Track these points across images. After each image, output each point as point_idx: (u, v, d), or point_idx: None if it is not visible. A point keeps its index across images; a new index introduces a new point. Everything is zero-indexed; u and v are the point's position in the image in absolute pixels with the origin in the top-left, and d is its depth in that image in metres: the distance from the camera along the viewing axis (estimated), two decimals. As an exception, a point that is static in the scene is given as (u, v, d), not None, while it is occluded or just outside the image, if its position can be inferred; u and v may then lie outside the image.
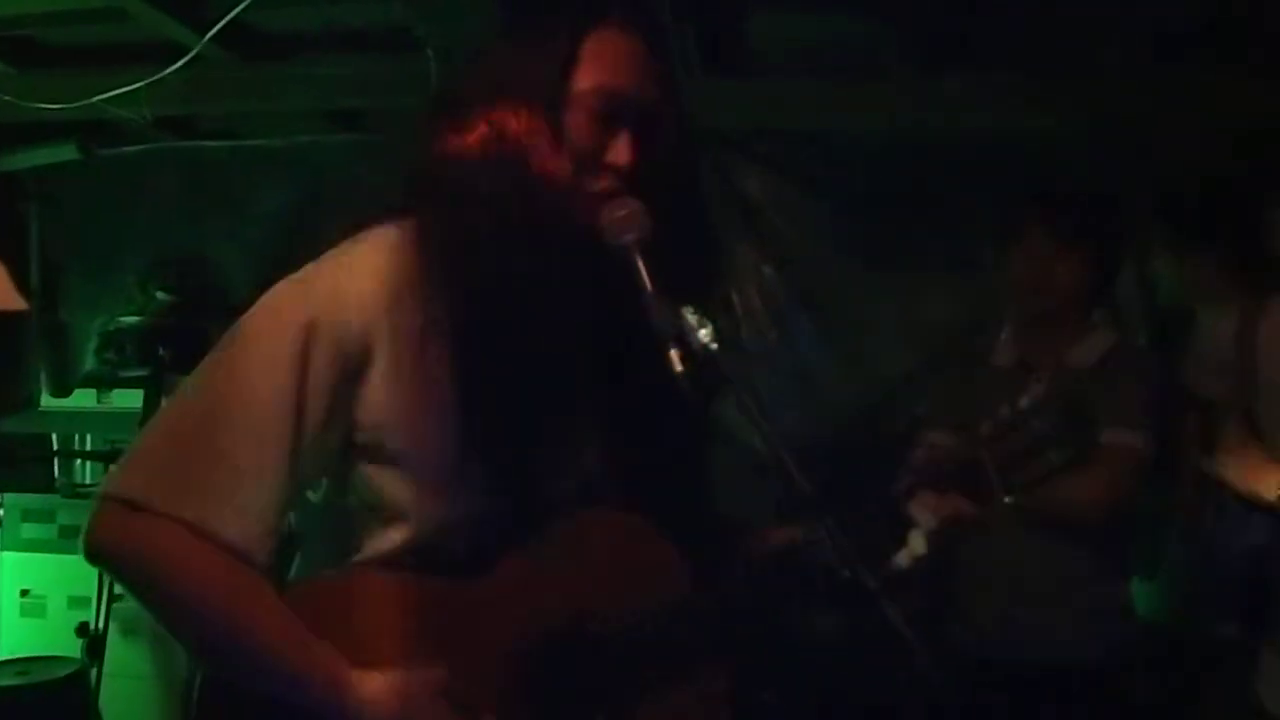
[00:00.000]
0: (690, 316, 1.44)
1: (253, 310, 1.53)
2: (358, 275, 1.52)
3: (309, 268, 1.55)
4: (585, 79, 1.53)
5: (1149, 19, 3.24)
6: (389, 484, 1.53)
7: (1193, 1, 3.13)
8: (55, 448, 4.90)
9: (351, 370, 1.50)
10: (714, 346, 1.42)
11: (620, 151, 1.52)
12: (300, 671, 1.43)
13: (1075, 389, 2.76)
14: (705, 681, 1.57)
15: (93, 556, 1.46)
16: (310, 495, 1.59)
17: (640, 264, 1.48)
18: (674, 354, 1.41)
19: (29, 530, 4.40)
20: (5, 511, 4.41)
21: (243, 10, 3.18)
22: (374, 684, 1.45)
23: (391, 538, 1.54)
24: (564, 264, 1.51)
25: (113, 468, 1.49)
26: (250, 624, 1.44)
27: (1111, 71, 3.40)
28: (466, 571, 1.52)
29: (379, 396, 1.50)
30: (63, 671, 3.94)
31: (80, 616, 4.06)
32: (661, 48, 1.60)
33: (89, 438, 4.84)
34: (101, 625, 3.90)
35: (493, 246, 1.50)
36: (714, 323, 1.44)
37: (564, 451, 1.57)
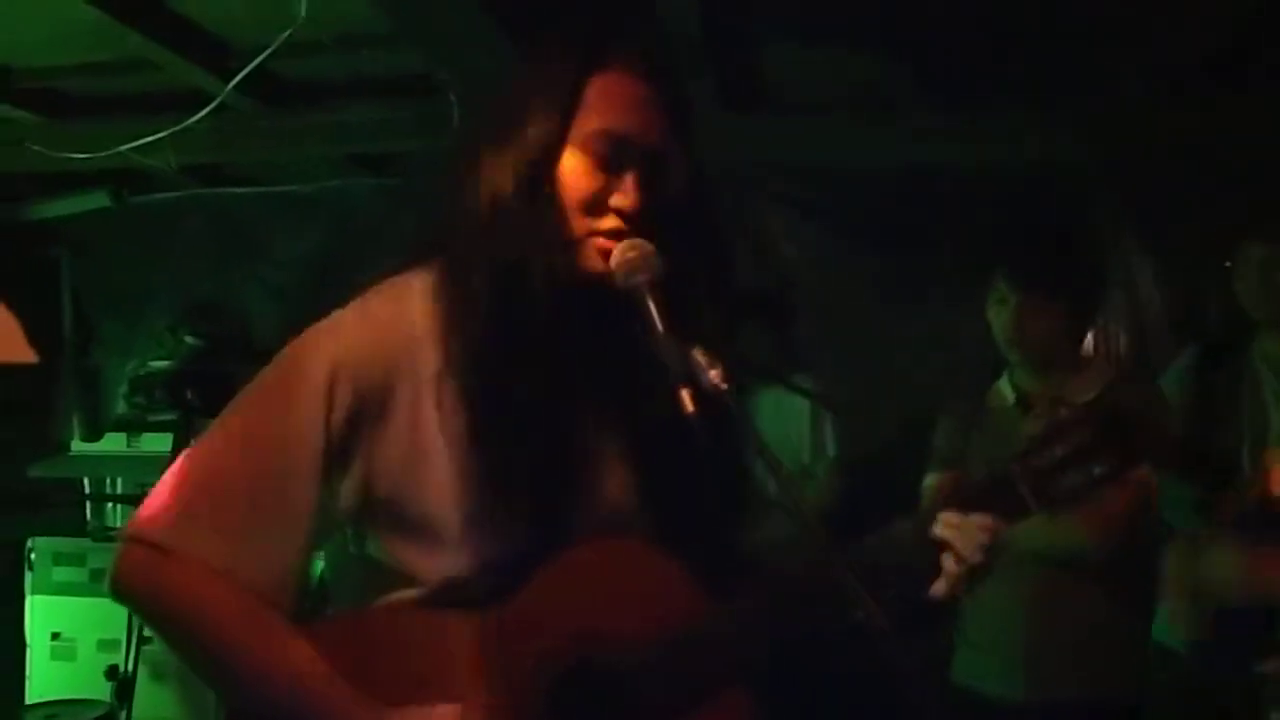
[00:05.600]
0: (701, 357, 1.44)
1: (279, 357, 1.53)
2: (380, 324, 1.53)
3: (334, 315, 1.55)
4: (590, 122, 1.54)
5: (1159, 56, 3.25)
6: (401, 550, 1.54)
7: (1200, 37, 3.14)
8: (86, 491, 4.94)
9: (372, 418, 1.50)
10: (724, 386, 1.42)
11: (626, 195, 1.52)
12: (314, 709, 1.43)
13: (1118, 398, 2.79)
14: (726, 710, 1.56)
15: (118, 595, 1.47)
16: (350, 548, 1.59)
17: (651, 305, 1.49)
18: (685, 394, 1.42)
19: (60, 574, 4.42)
20: (36, 555, 4.44)
21: (266, 59, 3.23)
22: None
23: (407, 593, 1.54)
24: (572, 308, 1.52)
25: (139, 508, 1.49)
26: (273, 666, 1.43)
27: (1123, 108, 3.41)
28: (484, 605, 1.51)
29: (395, 446, 1.51)
30: (92, 715, 3.96)
31: (110, 659, 4.07)
32: (672, 89, 1.60)
33: (119, 481, 4.87)
34: (131, 668, 3.92)
35: (503, 296, 1.51)
36: (725, 362, 1.44)
37: (587, 491, 1.56)
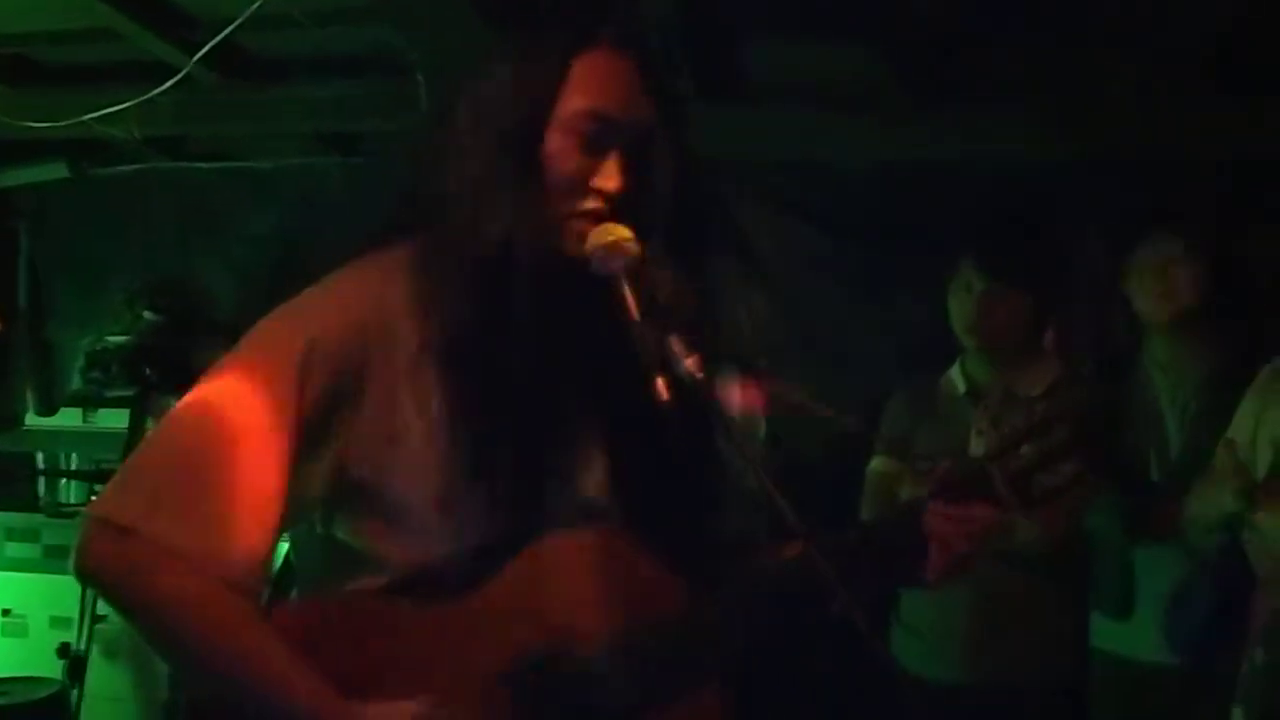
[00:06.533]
0: (677, 345, 1.43)
1: (250, 335, 1.51)
2: (356, 302, 1.51)
3: (306, 293, 1.53)
4: (573, 101, 1.52)
5: (1145, 53, 3.27)
6: (371, 534, 1.52)
7: (1190, 35, 3.16)
8: (40, 466, 4.87)
9: (345, 399, 1.47)
10: (700, 375, 1.42)
11: (609, 176, 1.51)
12: (282, 699, 1.41)
13: (1090, 400, 2.82)
14: (697, 704, 1.55)
15: (81, 576, 1.45)
16: (316, 528, 1.56)
17: (626, 292, 1.48)
18: (660, 382, 1.42)
19: (12, 549, 4.38)
20: (-12, 530, 4.40)
21: (233, 32, 3.19)
22: (354, 714, 1.42)
23: (375, 580, 1.52)
24: (553, 291, 1.49)
25: (103, 488, 1.46)
26: (235, 651, 1.41)
27: (1106, 105, 3.43)
28: (454, 594, 1.49)
29: (369, 429, 1.48)
30: (43, 692, 3.91)
31: (62, 637, 4.03)
32: (658, 70, 1.58)
33: (74, 457, 4.82)
34: (83, 646, 3.88)
35: (479, 277, 1.49)
36: (701, 350, 1.44)
37: (561, 478, 1.55)
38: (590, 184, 1.52)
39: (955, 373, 3.12)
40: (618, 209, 1.51)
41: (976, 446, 2.94)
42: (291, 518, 1.49)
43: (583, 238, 1.50)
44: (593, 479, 1.59)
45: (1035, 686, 2.94)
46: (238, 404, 1.44)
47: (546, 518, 1.52)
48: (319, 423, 1.46)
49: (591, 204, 1.52)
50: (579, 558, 1.54)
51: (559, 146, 1.52)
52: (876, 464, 3.14)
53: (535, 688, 1.50)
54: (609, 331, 1.49)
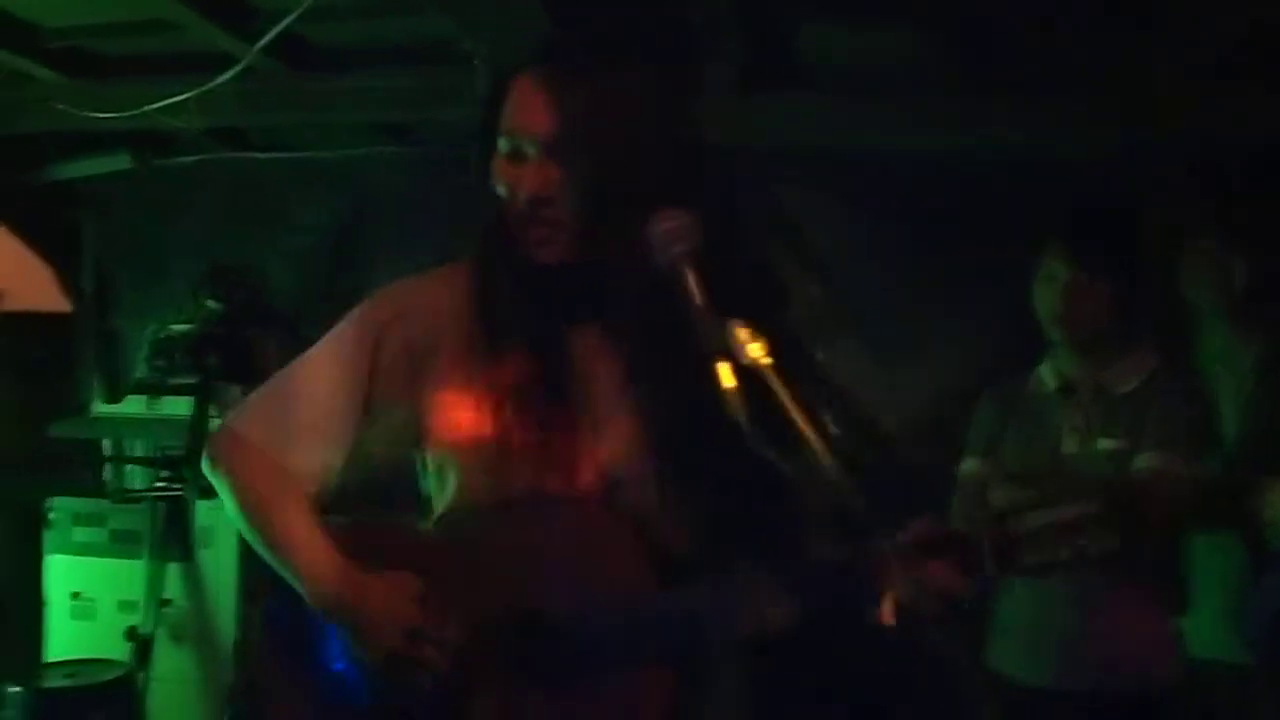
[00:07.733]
0: (741, 332, 1.43)
1: (350, 311, 1.87)
2: (429, 292, 1.86)
3: (400, 281, 1.90)
4: (501, 125, 1.71)
5: (1196, 42, 3.21)
6: (436, 476, 1.85)
7: (1238, 23, 3.10)
8: (106, 453, 4.95)
9: (418, 367, 1.80)
10: (765, 362, 1.41)
11: (520, 184, 1.68)
12: (303, 558, 1.77)
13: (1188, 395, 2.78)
14: (642, 685, 1.66)
15: (207, 466, 1.88)
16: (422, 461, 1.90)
17: (690, 277, 1.49)
18: (723, 369, 1.42)
19: (80, 534, 4.44)
20: (56, 515, 4.46)
21: (293, 23, 3.21)
22: (360, 580, 1.74)
23: (437, 510, 1.86)
24: (544, 291, 1.73)
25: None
26: (275, 522, 1.80)
27: (1157, 94, 3.37)
28: (474, 538, 1.76)
29: (433, 395, 1.80)
30: (111, 675, 3.97)
31: (129, 620, 4.10)
32: (565, 72, 1.67)
33: (139, 443, 4.89)
34: (150, 629, 3.94)
35: (476, 287, 1.80)
36: (767, 338, 1.44)
37: (581, 449, 1.73)
38: (516, 194, 1.69)
39: (1045, 369, 3.05)
40: (542, 209, 1.67)
41: (1069, 444, 2.91)
42: (391, 445, 1.85)
43: (537, 242, 1.69)
44: (616, 450, 1.73)
45: (1134, 692, 2.85)
46: (326, 355, 1.85)
47: (566, 483, 1.72)
48: (389, 380, 1.81)
49: (521, 209, 1.69)
50: (574, 527, 1.72)
51: (497, 166, 1.73)
52: (968, 466, 3.08)
53: (504, 637, 1.68)
54: (653, 318, 1.62)
